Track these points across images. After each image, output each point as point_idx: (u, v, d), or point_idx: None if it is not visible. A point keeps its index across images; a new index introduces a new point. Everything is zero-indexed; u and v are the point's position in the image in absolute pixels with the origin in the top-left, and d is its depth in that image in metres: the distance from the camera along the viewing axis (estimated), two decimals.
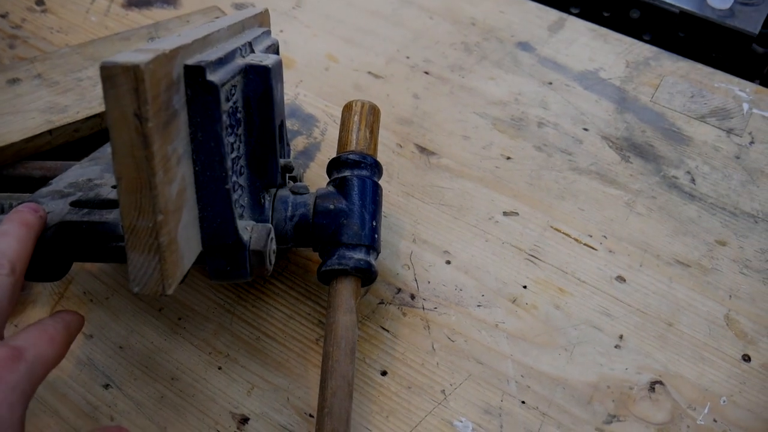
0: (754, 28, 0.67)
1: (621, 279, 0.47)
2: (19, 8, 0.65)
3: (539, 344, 0.43)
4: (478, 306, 0.45)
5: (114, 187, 0.39)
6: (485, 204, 0.51)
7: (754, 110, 0.58)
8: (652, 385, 0.42)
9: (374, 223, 0.42)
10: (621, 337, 0.44)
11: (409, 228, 0.49)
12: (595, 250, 0.49)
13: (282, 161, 0.41)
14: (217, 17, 0.60)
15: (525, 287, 0.46)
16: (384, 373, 0.42)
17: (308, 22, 0.66)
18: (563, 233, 0.49)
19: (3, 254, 0.32)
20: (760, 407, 0.41)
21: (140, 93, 0.27)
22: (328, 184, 0.43)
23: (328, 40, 0.64)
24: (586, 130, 0.57)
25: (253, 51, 0.40)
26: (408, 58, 0.62)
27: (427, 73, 0.61)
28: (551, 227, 0.50)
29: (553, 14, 0.67)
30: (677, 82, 0.61)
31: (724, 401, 0.41)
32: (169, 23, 0.59)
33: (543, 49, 0.63)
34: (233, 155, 0.36)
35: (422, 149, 0.55)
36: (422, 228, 0.49)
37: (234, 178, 0.36)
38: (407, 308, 0.45)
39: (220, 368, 0.42)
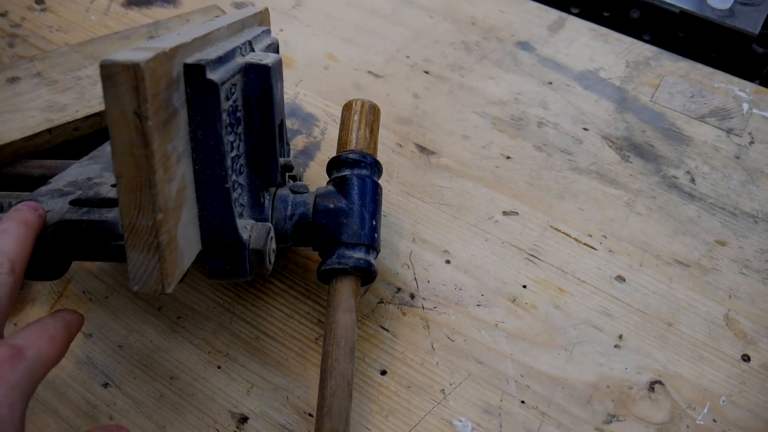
0: (754, 28, 0.67)
1: (621, 279, 0.47)
2: (19, 7, 0.65)
3: (539, 344, 0.43)
4: (478, 305, 0.45)
5: (113, 185, 0.39)
6: (485, 203, 0.51)
7: (754, 110, 0.58)
8: (652, 385, 0.42)
9: (374, 223, 0.42)
10: (621, 336, 0.44)
11: (409, 227, 0.49)
12: (595, 249, 0.49)
13: (282, 160, 0.41)
14: (216, 16, 0.60)
15: (525, 287, 0.46)
16: (383, 373, 0.42)
17: (308, 21, 0.66)
18: (563, 233, 0.49)
19: (2, 253, 0.32)
20: (760, 407, 0.41)
21: (140, 91, 0.27)
22: (327, 183, 0.43)
23: (328, 39, 0.64)
24: (586, 129, 0.57)
25: (253, 50, 0.40)
26: (408, 57, 0.62)
27: (426, 72, 0.61)
28: (551, 227, 0.50)
29: (553, 14, 0.67)
30: (677, 82, 0.61)
31: (723, 401, 0.41)
32: (169, 22, 0.59)
33: (543, 49, 0.63)
34: (233, 154, 0.36)
35: (422, 149, 0.55)
36: (422, 227, 0.49)
37: (234, 177, 0.36)
38: (407, 308, 0.45)
39: (219, 367, 0.42)
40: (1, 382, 0.27)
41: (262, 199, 0.39)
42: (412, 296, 0.45)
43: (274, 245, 0.39)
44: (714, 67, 0.62)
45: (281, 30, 0.64)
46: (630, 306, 0.45)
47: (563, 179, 0.53)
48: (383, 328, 0.44)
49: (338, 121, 0.49)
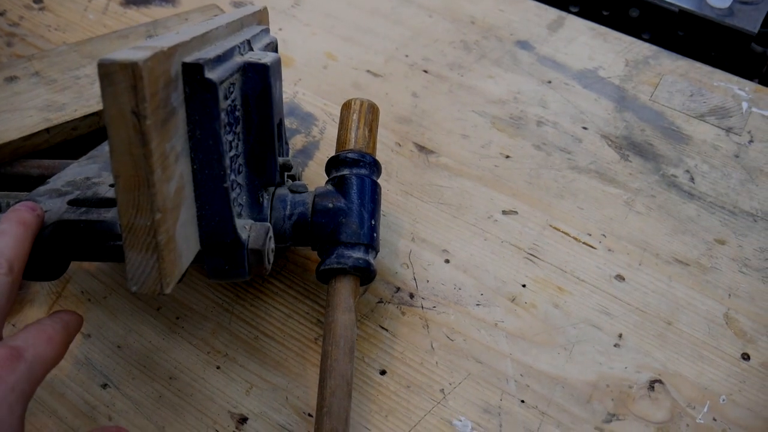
0: (753, 27, 0.67)
1: (620, 278, 0.47)
2: (17, 6, 0.65)
3: (538, 343, 0.43)
4: (477, 305, 0.45)
5: (112, 185, 0.39)
6: (484, 203, 0.51)
7: (753, 109, 0.58)
8: (652, 384, 0.42)
9: (373, 222, 0.42)
10: (620, 335, 0.44)
11: (408, 227, 0.49)
12: (594, 248, 0.48)
13: (281, 160, 0.41)
14: (215, 15, 0.60)
15: (524, 286, 0.46)
16: (383, 373, 0.42)
17: (307, 21, 0.65)
18: (562, 232, 0.49)
19: (0, 253, 0.31)
20: (760, 406, 0.41)
21: (138, 90, 0.27)
22: (326, 182, 0.43)
23: (327, 38, 0.64)
24: (585, 128, 0.57)
25: (251, 49, 0.40)
26: (407, 56, 0.62)
27: (426, 71, 0.61)
28: (550, 226, 0.50)
29: (552, 13, 0.67)
30: (676, 80, 0.61)
31: (723, 400, 0.41)
32: (168, 21, 0.59)
33: (542, 48, 0.63)
34: (232, 153, 0.35)
35: (421, 148, 0.55)
36: (421, 227, 0.49)
37: (232, 177, 0.36)
38: (406, 307, 0.45)
39: (218, 367, 0.42)
40: (0, 383, 0.27)
41: (261, 199, 0.39)
42: (412, 296, 0.45)
43: (272, 245, 0.39)
44: (713, 66, 0.62)
45: (280, 29, 0.64)
46: (629, 305, 0.45)
47: (562, 178, 0.53)
48: (382, 327, 0.44)
49: (337, 120, 0.49)
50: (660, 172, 0.54)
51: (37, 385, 0.29)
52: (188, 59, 0.31)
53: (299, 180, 0.47)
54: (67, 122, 0.49)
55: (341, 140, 0.45)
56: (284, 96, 0.57)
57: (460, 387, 0.41)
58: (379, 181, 0.44)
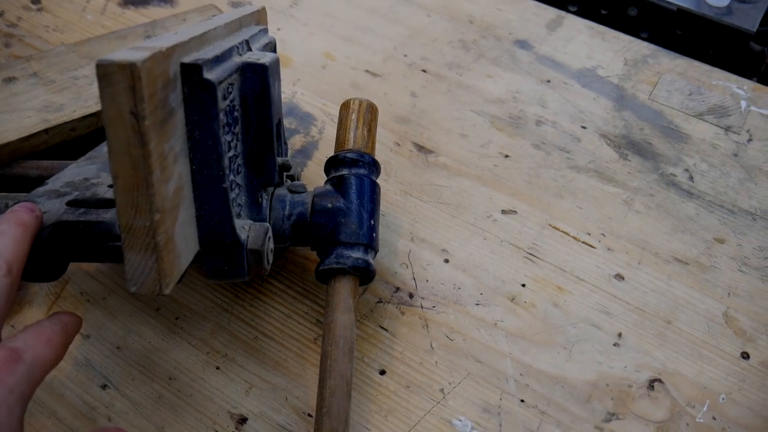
0: (752, 25, 0.67)
1: (619, 277, 0.47)
2: (15, 7, 0.65)
3: (538, 342, 0.43)
4: (477, 304, 0.45)
5: (110, 186, 0.39)
6: (483, 202, 0.51)
7: (752, 108, 0.58)
8: (651, 383, 0.42)
9: (372, 222, 0.42)
10: (620, 335, 0.44)
11: (407, 227, 0.49)
12: (594, 248, 0.48)
13: (279, 160, 0.41)
14: (213, 15, 0.60)
15: (523, 285, 0.46)
16: (383, 372, 0.42)
17: (305, 20, 0.65)
18: (562, 231, 0.49)
19: None
20: (759, 404, 0.41)
21: (136, 91, 0.27)
22: (325, 182, 0.43)
23: (325, 38, 0.64)
24: (584, 128, 0.57)
25: (250, 49, 0.39)
26: (405, 56, 0.62)
27: (424, 71, 0.61)
28: (549, 225, 0.50)
29: (551, 12, 0.67)
30: (675, 79, 0.61)
31: (723, 399, 0.41)
32: (166, 21, 0.59)
33: (541, 47, 0.63)
34: (230, 154, 0.35)
35: (420, 147, 0.55)
36: (420, 226, 0.49)
37: (231, 177, 0.36)
38: (405, 307, 0.45)
39: (218, 368, 0.42)
40: None
41: (260, 199, 0.39)
42: (411, 296, 0.45)
43: (272, 245, 0.39)
44: (712, 65, 0.62)
45: (278, 29, 0.64)
46: (629, 304, 0.45)
47: (562, 177, 0.53)
48: (382, 327, 0.44)
49: (336, 120, 0.49)
50: (659, 171, 0.54)
51: (36, 387, 0.29)
52: (187, 60, 0.31)
53: (298, 180, 0.47)
54: (66, 123, 0.49)
55: (340, 140, 0.45)
56: (283, 96, 0.57)
57: (460, 387, 0.41)
58: (378, 180, 0.44)
